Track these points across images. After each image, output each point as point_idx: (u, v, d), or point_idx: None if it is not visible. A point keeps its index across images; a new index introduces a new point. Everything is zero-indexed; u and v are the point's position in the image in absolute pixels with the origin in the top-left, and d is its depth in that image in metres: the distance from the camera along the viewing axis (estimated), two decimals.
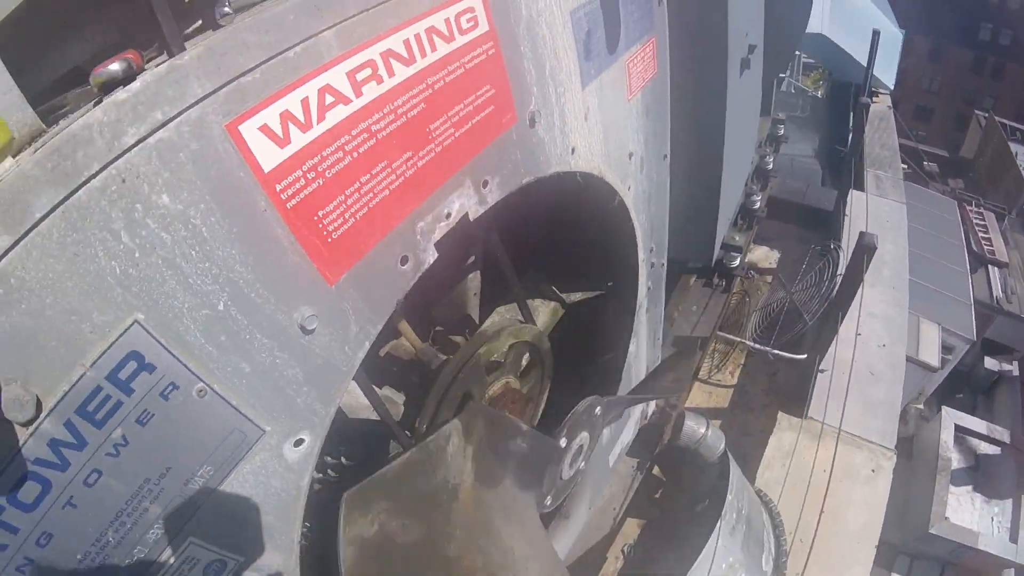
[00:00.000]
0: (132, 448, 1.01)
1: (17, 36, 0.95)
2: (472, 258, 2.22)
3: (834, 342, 5.00)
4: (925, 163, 15.71)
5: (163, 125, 0.91)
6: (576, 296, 2.72)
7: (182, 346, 1.01)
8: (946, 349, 8.17)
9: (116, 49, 0.93)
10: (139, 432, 1.01)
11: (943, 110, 34.15)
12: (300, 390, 1.24)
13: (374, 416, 2.00)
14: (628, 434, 3.59)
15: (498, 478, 1.86)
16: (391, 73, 1.23)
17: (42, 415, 0.90)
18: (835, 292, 5.18)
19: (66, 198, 0.84)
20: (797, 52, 11.33)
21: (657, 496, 4.29)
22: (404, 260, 1.38)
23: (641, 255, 2.67)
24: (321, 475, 2.29)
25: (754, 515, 3.55)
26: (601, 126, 2.07)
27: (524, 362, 2.35)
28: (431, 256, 1.45)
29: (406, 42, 1.25)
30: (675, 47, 2.56)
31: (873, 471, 4.67)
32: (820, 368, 4.98)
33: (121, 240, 0.90)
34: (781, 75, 9.58)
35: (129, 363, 0.96)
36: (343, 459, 2.28)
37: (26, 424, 0.88)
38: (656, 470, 4.32)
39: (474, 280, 2.27)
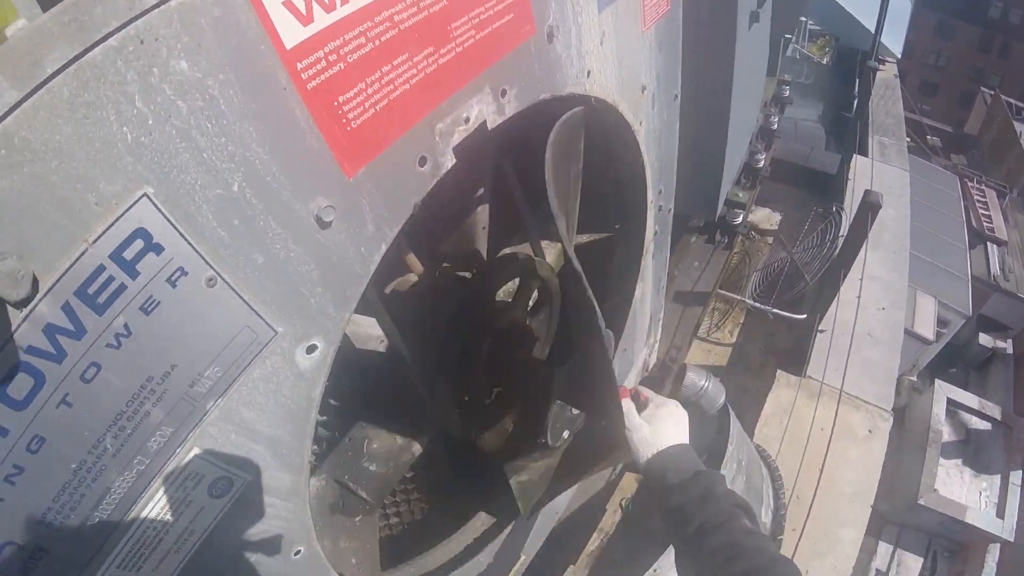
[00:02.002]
0: (135, 339, 0.94)
1: None
2: (481, 191, 2.18)
3: (834, 303, 5.01)
4: (929, 137, 15.67)
5: None
6: (583, 238, 2.69)
7: (193, 227, 0.96)
8: (941, 323, 8.22)
9: None
10: (143, 321, 0.94)
11: (948, 86, 34.04)
12: (314, 290, 1.19)
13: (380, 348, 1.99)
14: (629, 383, 3.59)
15: None
16: None
17: (38, 295, 0.82)
18: (836, 254, 5.18)
19: (80, 55, 0.78)
20: (803, 18, 11.23)
21: None
22: (423, 161, 1.33)
23: (650, 196, 2.64)
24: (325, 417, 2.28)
25: (753, 468, 3.56)
26: (616, 53, 2.02)
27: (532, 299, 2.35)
28: (449, 160, 1.41)
29: None
30: None
31: (870, 431, 4.70)
32: (819, 328, 4.99)
33: (135, 104, 0.84)
34: (787, 36, 9.50)
35: (136, 241, 0.90)
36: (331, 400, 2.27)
37: (20, 304, 0.81)
38: None
39: (482, 213, 2.23)
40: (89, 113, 0.81)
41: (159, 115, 0.88)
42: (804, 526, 3.79)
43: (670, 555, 2.54)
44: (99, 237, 0.87)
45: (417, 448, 2.21)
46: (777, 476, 3.85)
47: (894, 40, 11.26)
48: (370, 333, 1.94)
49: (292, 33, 0.99)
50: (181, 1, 0.86)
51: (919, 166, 10.45)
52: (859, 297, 5.11)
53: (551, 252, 2.54)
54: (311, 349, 1.25)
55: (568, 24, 1.72)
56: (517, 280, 2.31)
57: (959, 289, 8.91)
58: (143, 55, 0.84)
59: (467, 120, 1.42)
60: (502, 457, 2.12)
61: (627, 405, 1.76)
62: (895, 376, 5.29)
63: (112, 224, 0.87)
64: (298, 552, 1.49)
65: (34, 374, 0.86)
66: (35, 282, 0.81)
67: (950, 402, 7.17)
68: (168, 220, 0.93)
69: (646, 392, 1.87)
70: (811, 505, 3.87)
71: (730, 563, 1.34)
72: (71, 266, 0.85)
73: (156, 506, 1.11)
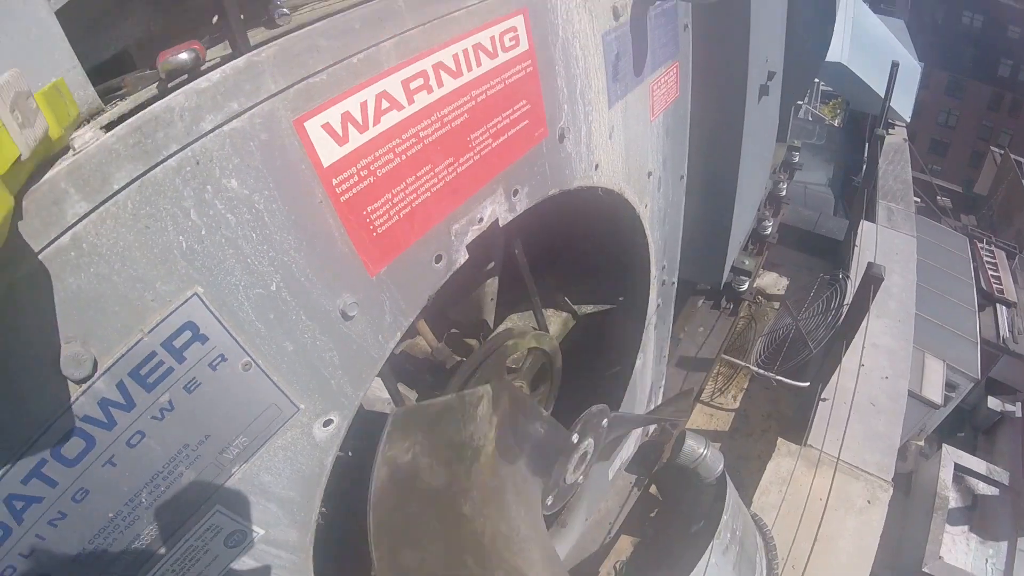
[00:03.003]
0: (177, 413, 1.07)
1: (73, 15, 1.02)
2: (492, 263, 2.30)
3: (837, 371, 5.06)
4: (938, 197, 15.67)
5: (238, 115, 1.00)
6: (587, 308, 2.80)
7: (234, 321, 1.09)
8: (950, 387, 8.15)
9: (160, 38, 1.02)
10: (185, 399, 1.08)
11: (959, 145, 34.06)
12: (335, 373, 1.32)
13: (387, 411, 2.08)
14: (628, 450, 3.65)
15: (514, 456, 1.96)
16: (440, 84, 1.33)
17: (96, 374, 0.95)
18: (840, 322, 5.23)
19: (144, 173, 0.92)
20: (816, 80, 11.38)
21: (652, 515, 4.34)
22: (438, 258, 1.47)
23: (653, 272, 2.76)
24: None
25: (748, 537, 3.60)
26: (624, 145, 2.17)
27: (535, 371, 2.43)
28: (462, 256, 1.54)
29: (455, 56, 1.35)
30: (695, 70, 2.65)
31: (869, 502, 4.72)
32: (822, 397, 5.04)
33: (190, 217, 0.98)
34: (799, 102, 9.67)
35: (185, 332, 1.03)
36: (349, 453, 2.35)
37: (80, 382, 0.94)
38: (653, 488, 4.37)
39: (491, 285, 2.35)
40: (150, 224, 0.95)
41: (211, 226, 1.01)
42: None
43: None
44: (153, 328, 1.00)
45: None
46: (772, 546, 3.88)
47: (904, 103, 11.35)
48: (378, 396, 2.04)
49: (329, 153, 1.14)
50: (233, 127, 1.00)
51: (928, 227, 10.47)
52: (862, 365, 5.16)
53: (555, 322, 2.65)
54: (327, 423, 1.37)
55: (579, 123, 1.86)
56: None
57: (968, 352, 8.81)
58: (199, 174, 0.98)
59: (480, 220, 1.56)
60: None
61: None
62: (896, 446, 5.30)
63: (166, 318, 1.01)
64: None
65: (86, 438, 0.98)
66: (95, 364, 0.95)
67: (957, 467, 7.10)
68: (214, 315, 1.06)
69: None
70: (803, 573, 3.88)
71: None
72: (127, 351, 0.98)
73: (178, 552, 1.22)
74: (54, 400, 0.93)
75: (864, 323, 4.76)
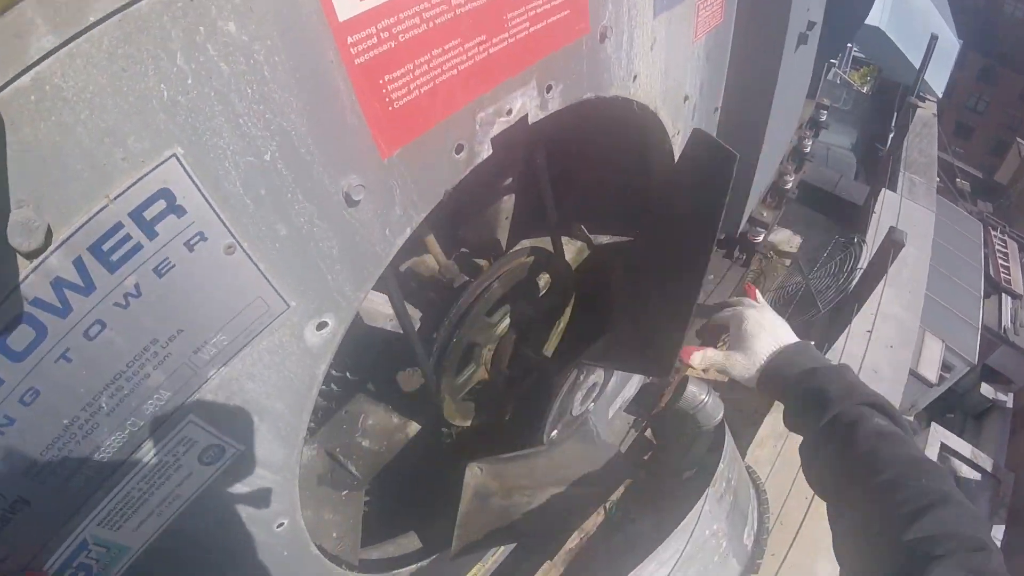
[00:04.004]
0: (144, 300, 0.91)
1: None
2: (509, 180, 2.15)
3: (845, 334, 4.97)
4: (958, 180, 15.49)
5: None
6: (603, 239, 2.65)
7: (218, 193, 0.93)
8: (946, 367, 8.19)
9: None
10: (155, 283, 0.92)
11: (984, 132, 33.62)
12: (333, 267, 1.17)
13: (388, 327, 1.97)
14: (630, 390, 3.57)
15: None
16: None
17: (51, 247, 0.79)
18: (852, 286, 5.12)
19: (127, 5, 0.75)
20: (849, 44, 11.08)
21: (645, 458, 4.29)
22: (459, 148, 1.30)
23: None
24: (324, 387, 2.27)
25: (742, 489, 3.53)
26: (664, 60, 1.98)
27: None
28: (486, 151, 1.37)
29: None
30: (738, 8, 2.51)
31: None
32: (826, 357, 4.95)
33: (176, 62, 0.81)
34: (832, 61, 9.39)
35: (158, 201, 0.87)
36: (347, 373, 2.25)
37: (30, 255, 0.78)
38: (648, 432, 4.31)
39: (507, 202, 2.20)
40: (127, 66, 0.78)
41: (199, 75, 0.84)
42: (787, 554, 3.77)
43: (649, 564, 2.52)
44: (121, 194, 0.83)
45: (413, 429, 2.20)
46: (764, 500, 3.83)
47: (938, 79, 11.07)
48: (380, 311, 1.91)
49: (347, 6, 0.96)
50: None
51: (945, 208, 10.37)
52: (870, 332, 5.05)
53: (571, 249, 2.51)
54: (321, 326, 1.23)
55: (622, 26, 1.67)
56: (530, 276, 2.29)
57: (968, 336, 8.84)
58: (191, 12, 0.81)
59: (509, 112, 1.38)
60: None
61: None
62: None
63: (136, 182, 0.84)
64: (281, 524, 1.47)
65: (36, 327, 0.83)
66: (49, 233, 0.78)
67: (943, 447, 7.16)
68: (194, 183, 0.90)
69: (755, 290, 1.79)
70: (796, 533, 3.84)
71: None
72: (88, 221, 0.82)
73: (144, 468, 1.08)
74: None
75: (880, 288, 4.64)
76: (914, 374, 7.10)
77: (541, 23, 1.36)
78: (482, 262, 2.26)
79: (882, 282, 4.51)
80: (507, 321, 2.27)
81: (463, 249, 2.33)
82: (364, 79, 1.03)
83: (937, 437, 7.18)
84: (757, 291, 1.80)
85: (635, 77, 1.84)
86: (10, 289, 0.79)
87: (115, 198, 0.83)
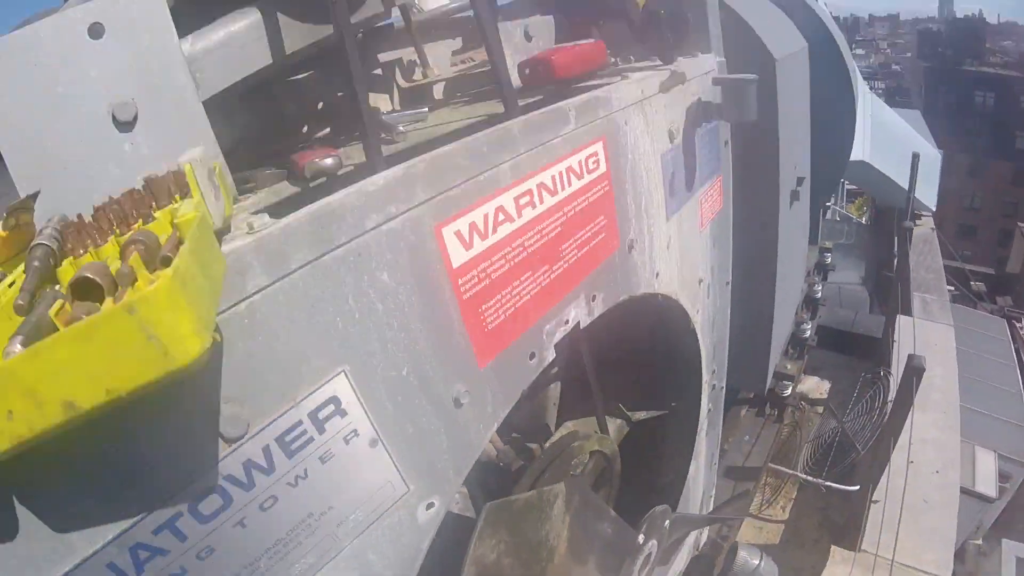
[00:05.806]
0: (309, 482, 1.16)
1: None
2: (556, 369, 2.43)
3: (886, 471, 4.91)
4: (972, 283, 15.34)
5: (394, 217, 1.19)
6: (640, 415, 2.88)
7: (370, 399, 1.22)
8: (1003, 477, 7.63)
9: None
10: (319, 468, 1.17)
11: (986, 226, 33.71)
12: (442, 457, 1.43)
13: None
14: (680, 564, 3.60)
15: (585, 556, 2.00)
16: (541, 201, 1.54)
17: (247, 436, 1.04)
18: (886, 420, 5.13)
19: (317, 258, 1.07)
20: (842, 180, 11.45)
21: None
22: (532, 356, 1.63)
23: (705, 376, 2.87)
24: None
25: None
26: (679, 254, 2.36)
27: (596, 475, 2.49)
28: (550, 355, 1.70)
29: (553, 177, 1.57)
30: (733, 187, 2.86)
31: None
32: (873, 499, 4.88)
33: (348, 302, 1.14)
34: (827, 203, 9.77)
35: (328, 406, 1.15)
36: None
37: (231, 441, 1.02)
38: None
39: (554, 390, 2.47)
40: (316, 304, 1.10)
41: (363, 311, 1.18)
42: None
43: None
44: (304, 399, 1.12)
45: None
46: None
47: (928, 193, 11.10)
48: None
49: (458, 255, 1.33)
50: (390, 228, 1.19)
51: (965, 315, 10.18)
52: (911, 462, 5.02)
53: (609, 429, 2.73)
54: (430, 506, 1.46)
55: (644, 236, 2.06)
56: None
57: (1018, 437, 8.26)
58: (359, 265, 1.15)
59: (567, 322, 1.74)
60: None
61: None
62: (953, 539, 4.95)
63: (316, 390, 1.13)
64: None
65: (224, 497, 1.05)
66: (248, 426, 1.05)
67: (1019, 562, 6.69)
68: (355, 392, 1.20)
69: None
70: None
71: None
72: (277, 418, 1.09)
73: None
74: (204, 456, 1.01)
75: (909, 417, 4.68)
76: (971, 493, 6.61)
77: (585, 248, 1.74)
78: (534, 446, 2.48)
79: (911, 410, 4.56)
80: None
81: (515, 434, 2.55)
82: (469, 309, 1.38)
83: (1012, 553, 6.59)
84: None
85: (657, 274, 2.20)
86: (211, 466, 1.03)
87: (299, 401, 1.11)
